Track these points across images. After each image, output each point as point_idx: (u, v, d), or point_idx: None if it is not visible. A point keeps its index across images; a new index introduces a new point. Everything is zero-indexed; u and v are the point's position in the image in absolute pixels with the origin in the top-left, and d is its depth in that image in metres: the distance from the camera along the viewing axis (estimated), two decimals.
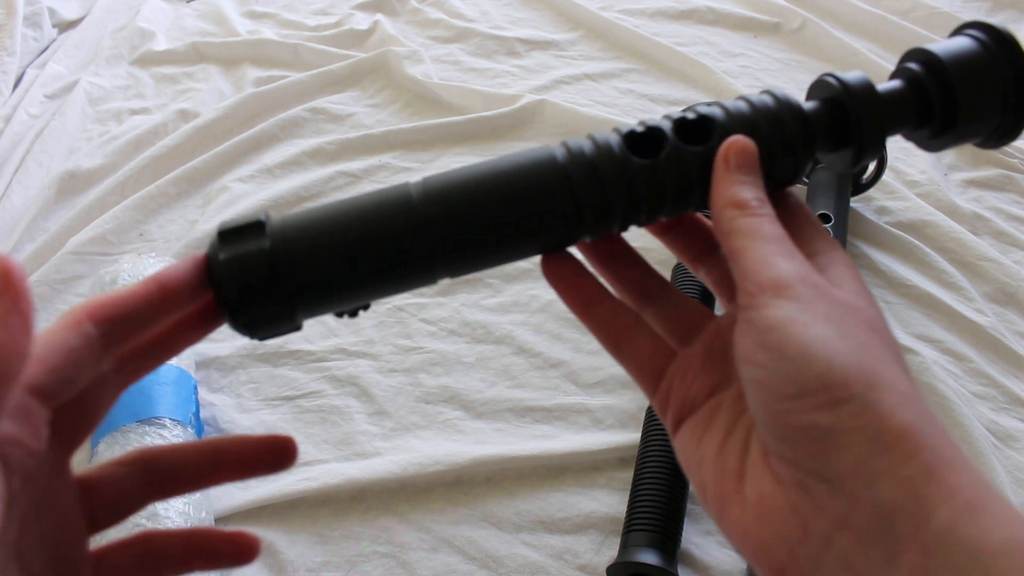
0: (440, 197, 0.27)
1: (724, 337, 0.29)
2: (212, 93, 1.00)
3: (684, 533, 0.51)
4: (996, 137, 0.29)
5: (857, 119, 0.27)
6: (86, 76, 1.04)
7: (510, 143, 0.87)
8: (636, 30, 0.99)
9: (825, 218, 0.66)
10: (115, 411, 0.57)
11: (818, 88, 0.29)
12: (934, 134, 0.29)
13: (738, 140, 0.27)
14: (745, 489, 0.25)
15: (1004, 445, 0.56)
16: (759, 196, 0.27)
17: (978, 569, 0.20)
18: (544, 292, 0.69)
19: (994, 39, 0.28)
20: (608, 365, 0.63)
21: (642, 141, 0.28)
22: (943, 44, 0.28)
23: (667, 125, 0.28)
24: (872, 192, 0.74)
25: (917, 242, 0.69)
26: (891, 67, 0.93)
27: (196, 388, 0.62)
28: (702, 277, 0.32)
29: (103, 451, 0.55)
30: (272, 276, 0.26)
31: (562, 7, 1.07)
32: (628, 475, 0.55)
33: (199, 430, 0.59)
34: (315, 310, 0.27)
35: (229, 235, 0.26)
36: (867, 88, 0.28)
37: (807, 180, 0.72)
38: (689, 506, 0.53)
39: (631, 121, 0.84)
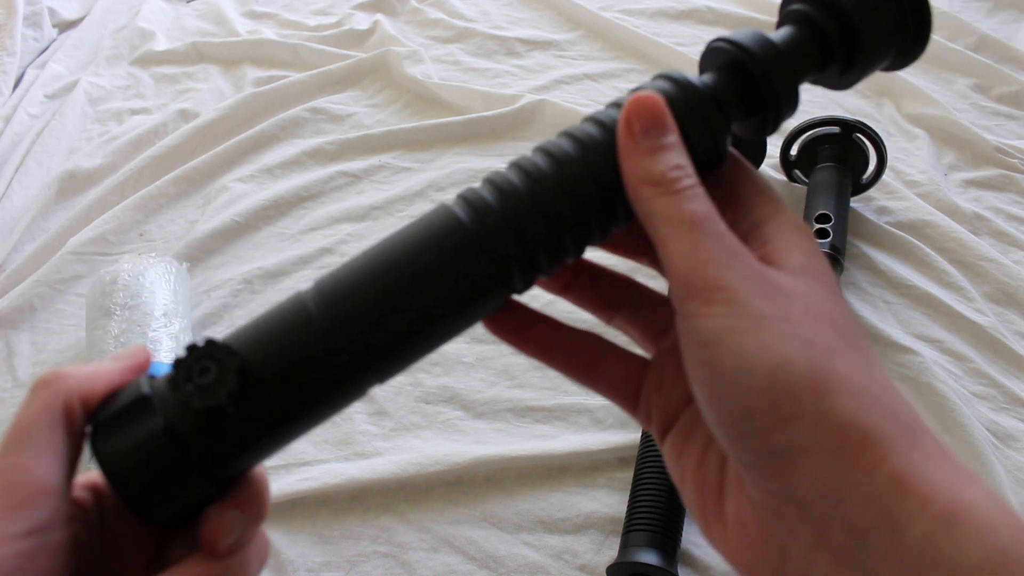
0: (338, 309, 0.23)
1: None
2: (212, 93, 1.00)
3: (684, 533, 0.51)
4: (902, 57, 0.27)
5: (766, 80, 0.25)
6: (86, 76, 1.04)
7: (510, 143, 0.87)
8: (636, 30, 0.99)
9: (825, 218, 0.66)
10: None
11: (712, 56, 0.26)
12: (841, 71, 0.27)
13: (638, 97, 0.23)
14: (725, 510, 0.23)
15: (1004, 445, 0.56)
16: (675, 163, 0.23)
17: None
18: (544, 292, 0.69)
19: None
20: None
21: None
22: None
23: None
24: (872, 192, 0.74)
25: (917, 242, 0.69)
26: None
27: None
28: (618, 326, 0.29)
29: None
30: (178, 456, 0.22)
31: (562, 7, 1.07)
32: (628, 475, 0.55)
33: None
34: (241, 466, 0.24)
35: (111, 421, 0.23)
36: (766, 44, 0.25)
37: (807, 180, 0.72)
38: None
39: None
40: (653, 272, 0.29)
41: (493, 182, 0.25)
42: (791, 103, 0.25)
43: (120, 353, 0.25)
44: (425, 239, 0.24)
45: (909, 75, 0.88)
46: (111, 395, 0.24)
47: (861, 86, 0.89)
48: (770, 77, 0.25)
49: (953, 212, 0.72)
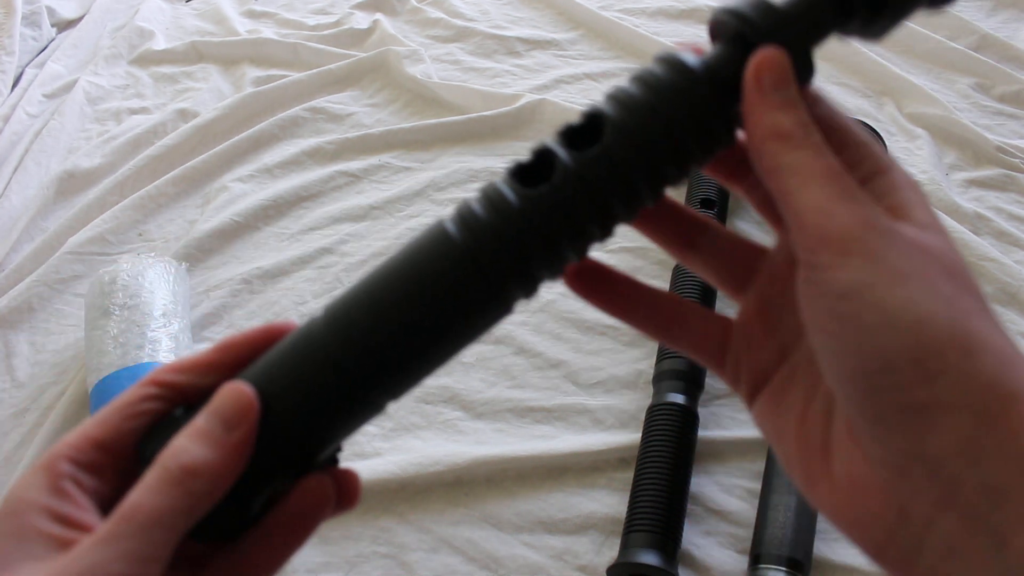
0: (345, 330, 0.24)
1: (781, 281, 0.26)
2: (211, 93, 1.00)
3: (684, 533, 0.51)
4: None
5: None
6: (85, 75, 1.03)
7: (510, 143, 0.86)
8: (636, 29, 0.99)
9: None
10: None
11: (719, 28, 0.25)
12: (866, 22, 0.25)
13: (766, 54, 0.23)
14: (833, 467, 0.23)
15: None
16: (802, 120, 0.23)
17: None
18: (544, 292, 0.69)
19: None
20: (608, 365, 0.63)
21: (533, 170, 0.24)
22: None
23: (557, 140, 0.24)
24: None
25: None
26: (892, 67, 0.92)
27: None
28: (741, 195, 0.28)
29: None
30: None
31: (562, 6, 1.07)
32: (628, 475, 0.55)
33: None
34: (276, 484, 0.25)
35: (153, 438, 0.24)
36: (768, 10, 0.24)
37: None
38: (689, 506, 0.53)
39: None
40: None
41: (486, 193, 0.24)
42: (805, 71, 0.24)
43: (226, 414, 0.24)
44: (417, 257, 0.24)
45: (910, 74, 0.88)
46: (154, 431, 0.25)
47: (862, 86, 0.89)
48: (776, 45, 0.24)
49: (954, 212, 0.72)
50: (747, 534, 0.52)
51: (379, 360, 0.24)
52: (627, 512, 0.52)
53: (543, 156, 0.24)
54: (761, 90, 0.23)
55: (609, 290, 0.28)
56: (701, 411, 0.57)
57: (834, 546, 0.51)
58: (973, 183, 0.76)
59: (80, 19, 1.19)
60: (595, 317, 0.66)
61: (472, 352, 0.65)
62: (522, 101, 0.88)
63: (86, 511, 0.23)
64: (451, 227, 0.24)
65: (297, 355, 0.24)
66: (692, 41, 0.25)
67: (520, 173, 0.24)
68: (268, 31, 1.10)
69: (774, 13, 0.24)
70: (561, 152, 0.24)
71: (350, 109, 0.94)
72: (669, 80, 0.24)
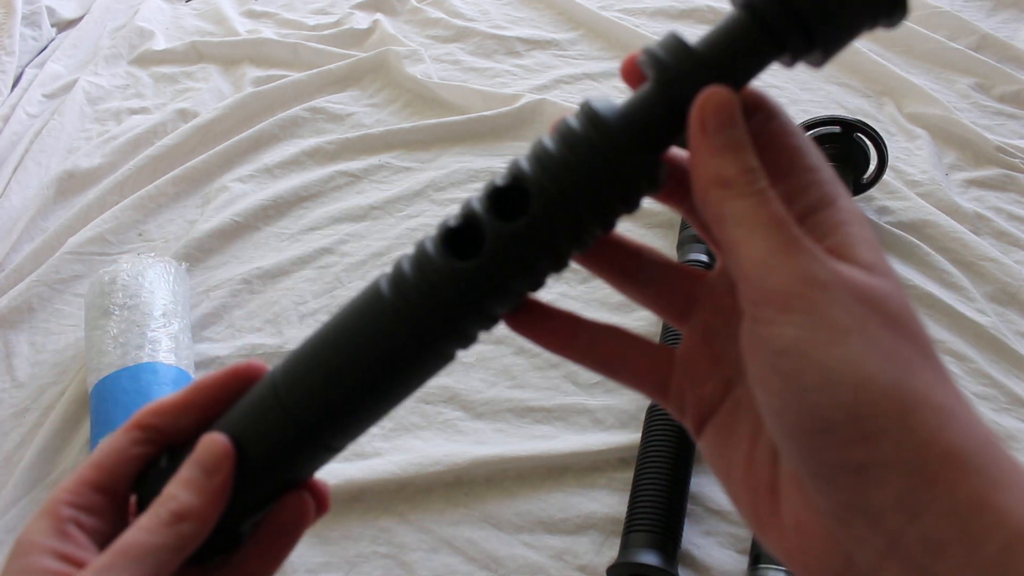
0: (295, 394, 0.26)
1: (723, 311, 0.26)
2: (211, 93, 1.00)
3: (684, 533, 0.51)
4: (884, 18, 0.23)
5: (687, 98, 0.23)
6: (85, 75, 1.03)
7: (510, 143, 0.86)
8: (636, 29, 0.99)
9: None
10: (114, 411, 0.57)
11: (642, 67, 0.24)
12: (801, 53, 0.23)
13: (711, 94, 0.22)
14: (781, 510, 0.23)
15: (1006, 446, 0.56)
16: (746, 166, 0.22)
17: None
18: (543, 292, 0.69)
19: None
20: None
21: (461, 234, 0.25)
22: None
23: (483, 205, 0.24)
24: (873, 192, 0.73)
25: (918, 242, 0.69)
26: (892, 67, 0.92)
27: None
28: (684, 216, 0.28)
29: None
30: None
31: (562, 6, 1.07)
32: (628, 475, 0.55)
33: None
34: (257, 513, 0.28)
35: (146, 483, 0.28)
36: (684, 53, 0.22)
37: None
38: (689, 506, 0.53)
39: None
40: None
41: (416, 257, 0.25)
42: None
43: (206, 463, 0.27)
44: (355, 317, 0.26)
45: (910, 74, 0.88)
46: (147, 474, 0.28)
47: (862, 86, 0.89)
48: (689, 93, 0.23)
49: (954, 212, 0.72)
50: (747, 534, 0.52)
51: (327, 412, 0.26)
52: (627, 512, 0.52)
53: (470, 221, 0.24)
54: (705, 133, 0.22)
55: (548, 328, 0.28)
56: None
57: None
58: (973, 183, 0.76)
59: (80, 19, 1.19)
60: (595, 317, 0.66)
61: (472, 352, 0.65)
62: (522, 101, 0.88)
63: (87, 550, 0.26)
64: (384, 288, 0.25)
65: (260, 409, 0.27)
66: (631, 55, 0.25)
67: (449, 238, 0.25)
68: (268, 31, 1.10)
69: (690, 56, 0.23)
70: (488, 222, 0.24)
71: (350, 109, 0.94)
72: (586, 136, 0.23)
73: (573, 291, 0.69)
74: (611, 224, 0.25)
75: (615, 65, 0.97)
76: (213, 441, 0.27)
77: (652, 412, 0.56)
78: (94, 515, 0.27)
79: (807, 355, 0.20)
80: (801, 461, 0.21)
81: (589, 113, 0.23)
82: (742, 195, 0.22)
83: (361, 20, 1.09)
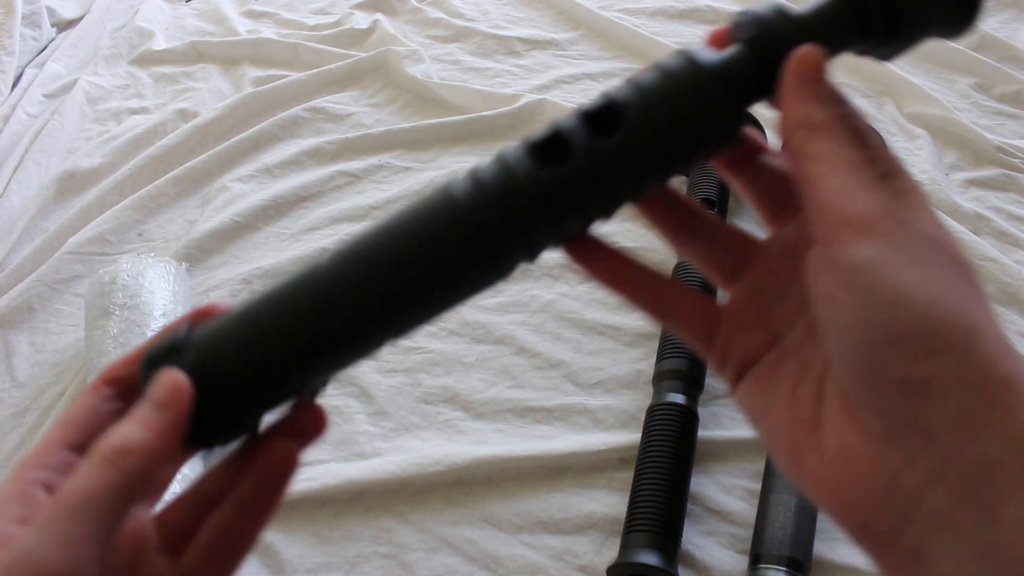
0: (348, 269, 0.25)
1: (775, 273, 0.27)
2: (211, 93, 1.00)
3: (684, 533, 0.51)
4: (954, 26, 0.25)
5: (775, 55, 0.25)
6: (85, 75, 1.03)
7: (510, 143, 0.86)
8: (636, 29, 0.99)
9: None
10: None
11: (737, 30, 0.26)
12: (880, 43, 0.26)
13: (809, 50, 0.25)
14: (823, 439, 0.23)
15: None
16: (835, 114, 0.24)
17: None
18: (544, 292, 0.69)
19: None
20: (608, 365, 0.63)
21: (548, 147, 0.25)
22: None
23: (573, 121, 0.25)
24: None
25: None
26: (892, 67, 0.92)
27: None
28: (737, 187, 0.29)
29: None
30: (203, 395, 0.25)
31: (562, 6, 1.07)
32: (628, 475, 0.55)
33: None
34: (263, 408, 0.26)
35: (153, 363, 0.26)
36: (786, 20, 0.25)
37: None
38: (689, 506, 0.53)
39: None
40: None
41: (500, 162, 0.25)
42: None
43: (158, 397, 0.25)
44: (423, 211, 0.25)
45: (910, 74, 0.88)
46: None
47: (862, 86, 0.89)
48: (787, 53, 0.25)
49: (954, 212, 0.72)
50: (747, 534, 0.52)
51: (375, 297, 0.25)
52: (627, 512, 0.52)
53: (557, 136, 0.25)
54: (801, 81, 0.25)
55: (605, 261, 0.29)
56: (701, 411, 0.57)
57: (834, 546, 0.51)
58: (973, 183, 0.76)
59: (80, 19, 1.20)
60: (595, 317, 0.66)
61: (472, 352, 0.65)
62: (522, 101, 0.88)
63: None
64: (458, 192, 0.25)
65: (294, 286, 0.25)
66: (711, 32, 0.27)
67: (535, 148, 0.25)
68: (268, 31, 1.10)
69: (794, 21, 0.25)
70: (579, 134, 0.25)
71: (350, 109, 0.94)
72: (686, 75, 0.25)
73: (574, 291, 0.69)
74: (689, 163, 0.26)
75: (615, 65, 0.97)
76: (167, 377, 0.25)
77: (652, 412, 0.56)
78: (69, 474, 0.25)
79: (883, 273, 0.21)
80: (863, 377, 0.22)
81: (690, 57, 0.25)
82: (829, 137, 0.24)
83: (361, 20, 1.09)
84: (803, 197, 0.24)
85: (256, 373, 0.25)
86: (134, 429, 0.24)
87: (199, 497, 0.28)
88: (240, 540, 0.27)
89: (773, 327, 0.27)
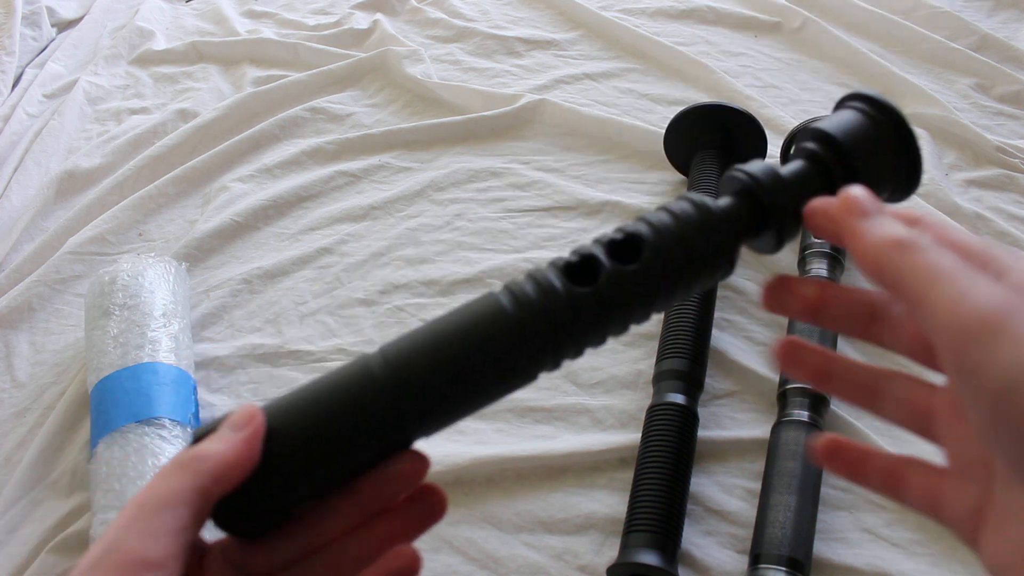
0: (399, 372, 0.28)
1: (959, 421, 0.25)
2: (211, 93, 1.00)
3: (684, 533, 0.51)
4: (897, 194, 0.31)
5: (772, 207, 0.29)
6: (85, 76, 1.03)
7: (510, 143, 0.86)
8: (636, 30, 0.99)
9: None
10: (114, 411, 0.57)
11: (729, 182, 0.31)
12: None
13: (851, 190, 0.26)
14: None
15: None
16: (910, 229, 0.24)
17: None
18: None
19: (876, 109, 0.30)
20: (608, 365, 0.63)
21: (578, 270, 0.29)
22: (832, 120, 0.31)
23: (599, 250, 0.29)
24: None
25: None
26: (892, 67, 0.92)
27: (195, 388, 0.62)
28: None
29: (102, 451, 0.55)
30: (258, 480, 0.27)
31: (562, 7, 1.07)
32: (628, 475, 0.55)
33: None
34: (301, 498, 0.28)
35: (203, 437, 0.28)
36: (772, 175, 0.30)
37: None
38: (689, 506, 0.53)
39: (633, 121, 0.84)
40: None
41: (536, 280, 0.29)
42: (794, 229, 0.30)
43: (235, 420, 0.27)
44: (472, 320, 0.29)
45: (910, 74, 0.88)
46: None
47: (862, 85, 0.89)
48: (776, 203, 0.29)
49: (954, 212, 0.72)
50: (747, 534, 0.52)
51: (421, 399, 0.28)
52: (627, 512, 0.52)
53: (588, 261, 0.29)
54: (860, 210, 0.25)
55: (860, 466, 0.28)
56: (701, 411, 0.57)
57: (834, 546, 0.51)
58: (973, 183, 0.76)
59: (80, 19, 1.20)
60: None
61: None
62: (522, 101, 0.88)
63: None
64: (504, 301, 0.28)
65: (348, 384, 0.28)
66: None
67: (568, 270, 0.29)
68: (268, 31, 1.10)
69: (777, 178, 0.30)
70: (606, 262, 0.29)
71: (350, 109, 0.94)
72: (696, 218, 0.29)
73: None
74: (694, 288, 0.30)
75: (615, 65, 0.97)
76: (244, 406, 0.28)
77: (652, 412, 0.56)
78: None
79: None
80: None
81: (699, 203, 0.30)
82: (916, 251, 0.23)
83: (361, 20, 1.09)
84: (921, 321, 0.23)
85: (309, 455, 0.27)
86: (210, 442, 0.27)
87: (293, 541, 0.28)
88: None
89: (983, 482, 0.24)
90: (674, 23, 1.03)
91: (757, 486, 0.53)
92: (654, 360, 0.61)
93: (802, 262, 0.66)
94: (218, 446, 0.26)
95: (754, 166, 0.30)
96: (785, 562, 0.47)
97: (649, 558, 0.48)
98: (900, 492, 0.27)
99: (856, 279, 0.67)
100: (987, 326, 0.20)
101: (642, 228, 0.29)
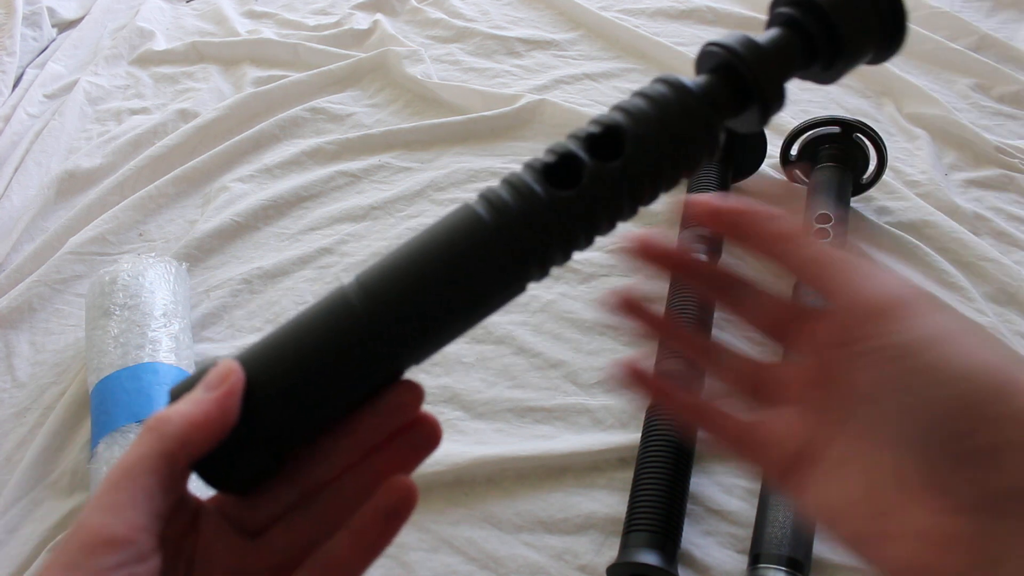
0: (378, 298, 0.26)
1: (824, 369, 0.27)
2: (212, 93, 1.00)
3: (684, 533, 0.51)
4: (881, 52, 0.30)
5: (754, 79, 0.28)
6: (85, 76, 1.03)
7: (510, 143, 0.87)
8: (636, 30, 0.99)
9: (825, 218, 0.65)
10: (114, 411, 0.57)
11: (706, 58, 0.29)
12: (825, 66, 0.30)
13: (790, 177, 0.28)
14: (901, 525, 0.23)
15: None
16: (816, 218, 0.27)
17: None
18: (544, 292, 0.69)
19: None
20: (608, 365, 0.63)
21: (558, 171, 0.27)
22: None
23: (577, 146, 0.27)
24: (872, 192, 0.73)
25: (917, 242, 0.69)
26: (893, 68, 0.92)
27: None
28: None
29: (102, 451, 0.55)
30: (241, 434, 0.25)
31: (562, 7, 1.07)
32: (628, 475, 0.55)
33: None
34: (290, 446, 0.27)
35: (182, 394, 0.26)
36: (752, 46, 0.28)
37: (807, 180, 0.72)
38: (689, 506, 0.53)
39: None
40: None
41: (514, 185, 0.27)
42: (779, 98, 0.29)
43: (209, 379, 0.26)
44: (448, 233, 0.27)
45: (909, 75, 0.88)
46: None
47: (861, 86, 0.89)
48: (757, 75, 0.28)
49: (953, 212, 0.72)
50: (747, 534, 0.52)
51: (408, 322, 0.26)
52: (627, 512, 0.52)
53: (568, 160, 0.27)
54: (786, 237, 0.27)
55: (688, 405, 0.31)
56: None
57: (834, 546, 0.51)
58: (972, 183, 0.76)
59: (80, 19, 1.20)
60: (595, 317, 0.66)
61: (472, 352, 0.65)
62: (522, 101, 0.88)
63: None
64: (482, 211, 0.26)
65: (326, 316, 0.26)
66: None
67: (547, 172, 0.27)
68: (268, 31, 1.10)
69: (757, 48, 0.28)
70: (587, 160, 0.27)
71: (350, 109, 0.94)
72: (675, 99, 0.27)
73: (573, 291, 0.69)
74: (679, 178, 0.28)
75: (615, 65, 0.97)
76: (221, 364, 0.26)
77: (652, 412, 0.56)
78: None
79: (934, 350, 0.22)
80: (942, 453, 0.22)
81: (676, 83, 0.28)
82: (822, 240, 0.26)
83: (361, 20, 1.09)
84: (823, 300, 0.25)
85: (293, 401, 0.26)
86: (179, 404, 0.25)
87: (290, 487, 0.28)
88: (348, 571, 0.27)
89: (831, 421, 0.26)
90: (674, 23, 1.03)
91: (757, 486, 0.54)
92: (654, 360, 0.61)
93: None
94: (185, 407, 0.25)
95: (731, 38, 0.29)
96: (785, 562, 0.47)
97: (649, 558, 0.48)
98: (713, 426, 0.30)
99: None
100: (891, 309, 0.23)
101: (620, 119, 0.27)
